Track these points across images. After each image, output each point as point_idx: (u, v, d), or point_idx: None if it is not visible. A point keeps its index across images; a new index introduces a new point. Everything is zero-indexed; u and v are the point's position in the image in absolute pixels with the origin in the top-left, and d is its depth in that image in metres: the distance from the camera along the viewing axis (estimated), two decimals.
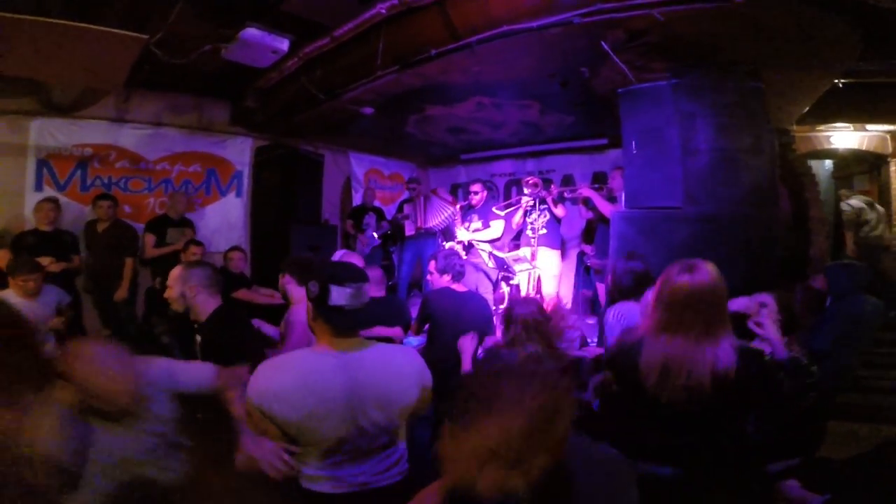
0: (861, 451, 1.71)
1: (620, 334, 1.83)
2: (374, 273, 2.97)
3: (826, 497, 1.42)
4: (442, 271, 3.13)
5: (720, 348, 1.52)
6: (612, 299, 2.61)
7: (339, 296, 1.45)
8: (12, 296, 3.35)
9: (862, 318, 3.04)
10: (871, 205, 5.47)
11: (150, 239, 4.83)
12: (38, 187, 4.76)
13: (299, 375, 1.44)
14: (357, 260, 3.02)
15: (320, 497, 1.49)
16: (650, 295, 1.75)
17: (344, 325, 1.50)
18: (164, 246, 4.84)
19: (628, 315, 2.37)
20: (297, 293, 2.52)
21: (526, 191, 4.86)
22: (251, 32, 3.49)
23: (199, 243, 4.72)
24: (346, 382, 1.45)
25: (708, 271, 1.60)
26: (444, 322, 3.00)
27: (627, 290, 2.47)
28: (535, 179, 4.88)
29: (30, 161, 4.71)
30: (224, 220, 5.93)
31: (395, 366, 1.57)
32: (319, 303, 1.47)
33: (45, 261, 3.86)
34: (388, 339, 2.63)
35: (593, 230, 4.78)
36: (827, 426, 3.43)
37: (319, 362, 1.48)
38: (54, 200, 4.47)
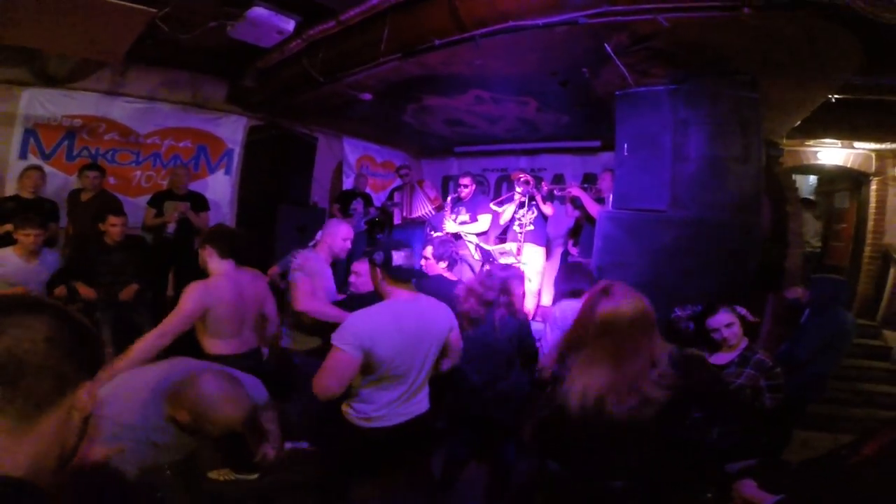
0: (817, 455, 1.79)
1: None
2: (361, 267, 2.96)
3: (780, 497, 1.47)
4: (439, 258, 3.14)
5: (649, 369, 1.56)
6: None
7: (399, 258, 1.99)
8: (13, 255, 3.35)
9: (844, 330, 3.21)
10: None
11: (149, 212, 4.82)
12: (23, 155, 4.70)
13: (392, 318, 1.92)
14: (346, 228, 3.19)
15: (385, 430, 1.94)
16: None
17: (406, 276, 2.04)
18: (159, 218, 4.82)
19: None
20: (217, 266, 2.60)
21: (518, 188, 4.91)
22: (258, 11, 3.46)
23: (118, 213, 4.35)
24: (418, 321, 1.98)
25: (624, 293, 1.64)
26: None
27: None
28: (527, 176, 4.92)
29: (17, 130, 4.64)
30: (211, 197, 5.84)
31: (440, 310, 2.13)
32: (386, 265, 2.00)
33: (9, 227, 3.75)
34: None
35: (580, 229, 4.86)
36: (792, 431, 3.58)
37: (402, 308, 1.97)
38: (39, 168, 4.40)
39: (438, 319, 2.09)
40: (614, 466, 1.61)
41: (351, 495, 2.07)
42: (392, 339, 1.86)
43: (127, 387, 1.63)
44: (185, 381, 1.57)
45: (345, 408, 2.00)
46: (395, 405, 1.95)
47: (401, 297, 2.00)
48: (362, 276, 2.90)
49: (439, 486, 2.85)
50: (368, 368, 1.87)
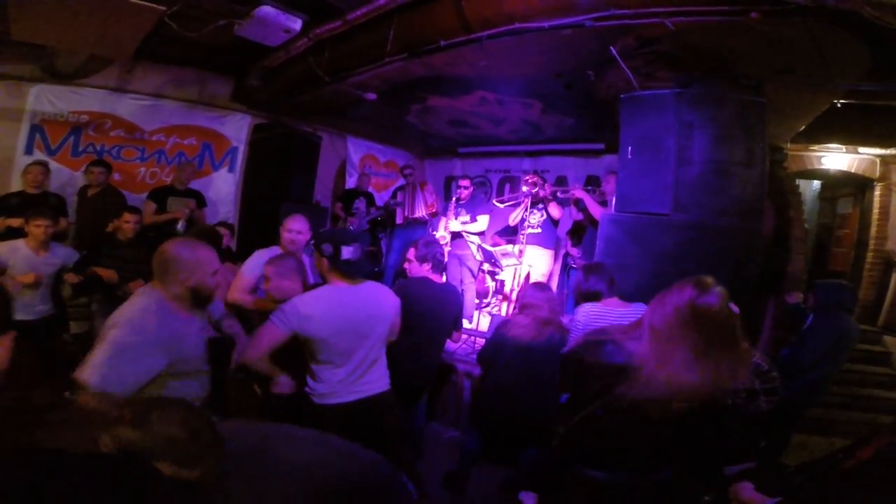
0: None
1: (594, 339, 1.71)
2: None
3: (777, 500, 1.47)
4: (422, 259, 2.99)
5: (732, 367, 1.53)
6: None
7: (347, 252, 2.10)
8: (24, 246, 3.42)
9: (848, 336, 3.20)
10: None
11: (149, 207, 4.79)
12: (29, 151, 4.72)
13: (329, 302, 2.06)
14: (295, 220, 3.21)
15: (338, 407, 2.09)
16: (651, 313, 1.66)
17: (353, 272, 2.15)
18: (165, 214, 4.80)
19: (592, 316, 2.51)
20: None
21: (524, 188, 4.91)
22: (266, 10, 3.47)
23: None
24: (359, 305, 2.12)
25: (719, 290, 1.56)
26: (423, 313, 2.81)
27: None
28: (535, 178, 4.92)
29: (24, 125, 4.68)
30: (215, 194, 5.91)
31: (384, 295, 2.30)
32: (334, 258, 2.11)
33: (15, 222, 3.85)
34: None
35: (582, 231, 4.86)
36: (791, 434, 3.58)
37: (342, 293, 2.11)
38: (43, 164, 4.42)
39: (382, 303, 2.24)
40: (666, 458, 1.62)
41: None
42: (327, 321, 2.02)
43: None
44: None
45: (305, 386, 2.15)
46: (345, 384, 2.10)
47: (343, 284, 2.14)
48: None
49: (450, 480, 2.97)
50: (310, 348, 2.06)
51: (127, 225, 3.96)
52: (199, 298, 1.85)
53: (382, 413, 2.23)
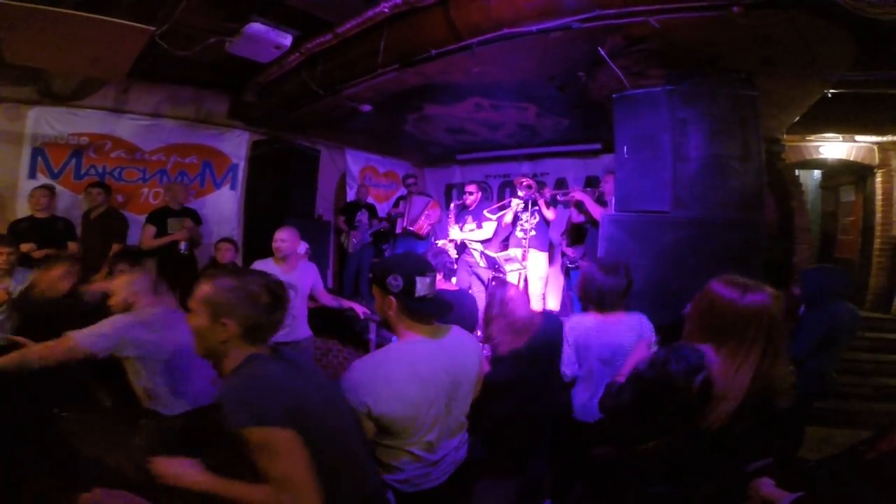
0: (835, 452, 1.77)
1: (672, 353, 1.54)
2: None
3: (798, 495, 1.45)
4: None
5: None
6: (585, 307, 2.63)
7: (423, 286, 1.53)
8: None
9: (841, 323, 3.03)
10: None
11: (149, 230, 4.80)
12: (32, 175, 4.76)
13: (410, 368, 1.49)
14: (283, 231, 3.47)
15: (422, 495, 1.57)
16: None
17: (429, 312, 1.59)
18: (165, 237, 4.81)
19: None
20: None
21: (520, 192, 4.91)
22: (255, 27, 3.51)
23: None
24: (444, 364, 1.56)
25: (765, 288, 1.53)
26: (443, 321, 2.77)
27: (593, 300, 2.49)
28: (529, 181, 4.93)
29: (25, 149, 4.71)
30: (218, 212, 5.94)
31: (469, 345, 1.72)
32: (406, 295, 1.53)
33: (25, 247, 3.87)
34: None
35: (584, 233, 4.85)
36: (804, 429, 3.52)
37: (421, 352, 1.54)
38: (49, 188, 4.47)
39: (469, 354, 1.69)
40: (726, 468, 1.58)
41: None
42: (414, 393, 1.48)
43: None
44: None
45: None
46: (435, 464, 1.60)
47: (418, 336, 1.58)
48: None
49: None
50: (380, 426, 1.48)
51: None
52: None
53: (470, 480, 1.81)
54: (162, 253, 4.84)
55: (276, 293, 1.39)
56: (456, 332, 1.71)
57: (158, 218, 4.88)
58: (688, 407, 1.47)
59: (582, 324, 2.50)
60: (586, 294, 2.51)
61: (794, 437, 3.44)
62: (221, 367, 1.38)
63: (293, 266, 3.48)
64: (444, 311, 1.60)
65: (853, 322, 3.10)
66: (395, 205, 6.28)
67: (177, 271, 4.93)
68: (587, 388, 2.47)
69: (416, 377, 1.49)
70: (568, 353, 2.51)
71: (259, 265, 3.36)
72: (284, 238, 3.42)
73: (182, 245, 4.76)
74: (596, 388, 2.40)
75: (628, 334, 2.39)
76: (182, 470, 1.34)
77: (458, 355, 1.63)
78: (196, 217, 5.14)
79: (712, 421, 1.44)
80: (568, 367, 2.51)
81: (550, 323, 2.64)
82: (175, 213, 4.97)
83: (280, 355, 1.42)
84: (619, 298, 2.43)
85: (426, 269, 1.57)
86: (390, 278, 1.54)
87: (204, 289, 1.38)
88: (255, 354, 1.35)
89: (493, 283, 2.88)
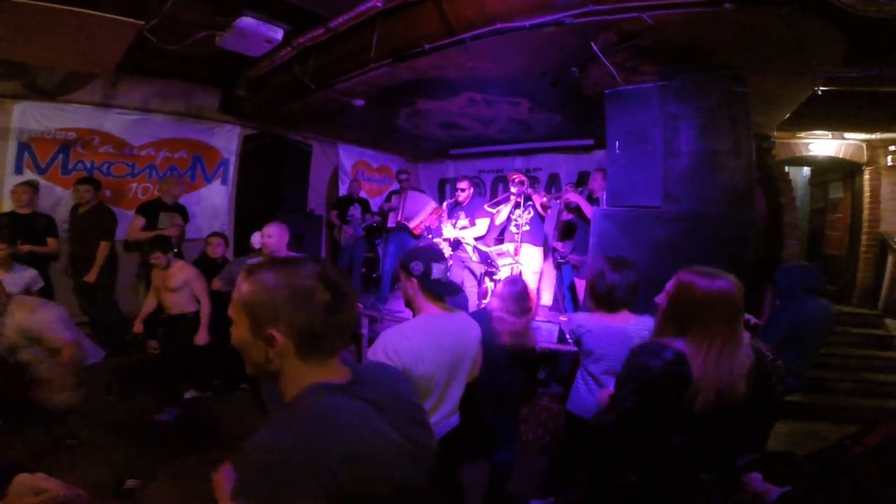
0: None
1: (645, 351, 1.60)
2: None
3: (786, 489, 1.48)
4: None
5: (745, 351, 1.52)
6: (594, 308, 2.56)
7: (438, 271, 1.88)
8: None
9: (810, 319, 3.02)
10: None
11: (138, 221, 4.76)
12: (18, 170, 4.69)
13: (430, 336, 1.79)
14: (271, 227, 3.49)
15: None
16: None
17: (444, 292, 1.91)
18: (155, 230, 4.76)
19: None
20: None
21: (513, 189, 4.91)
22: (246, 21, 3.48)
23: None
24: (454, 337, 1.87)
25: (727, 277, 1.55)
26: None
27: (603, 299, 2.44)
28: (521, 177, 4.92)
29: (11, 144, 4.64)
30: (209, 206, 5.92)
31: (473, 328, 2.01)
32: (424, 277, 1.87)
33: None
34: None
35: (573, 228, 4.87)
36: (773, 425, 3.55)
37: (440, 324, 1.86)
38: (31, 184, 4.42)
39: (472, 334, 1.98)
40: (706, 458, 1.59)
41: None
42: (430, 356, 1.73)
43: None
44: None
45: None
46: (436, 424, 1.81)
47: (432, 312, 1.89)
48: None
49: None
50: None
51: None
52: None
53: (459, 444, 2.03)
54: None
55: (337, 286, 0.99)
56: (463, 315, 2.01)
57: (149, 210, 4.84)
58: (673, 398, 1.49)
59: (588, 323, 2.46)
60: (595, 292, 2.46)
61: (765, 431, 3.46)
62: (283, 392, 1.00)
63: None
64: (454, 290, 1.97)
65: (825, 318, 3.09)
66: (388, 199, 6.26)
67: None
68: (587, 385, 2.47)
69: (435, 343, 1.77)
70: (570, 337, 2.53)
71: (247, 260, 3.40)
72: (271, 234, 3.38)
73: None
74: (596, 387, 2.41)
75: (635, 338, 2.34)
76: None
77: (466, 333, 1.94)
78: (184, 214, 5.12)
79: (697, 409, 1.45)
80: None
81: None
82: (168, 208, 4.93)
83: (357, 386, 1.00)
84: (628, 297, 2.40)
85: (441, 258, 1.92)
86: (413, 264, 1.88)
87: (242, 289, 0.99)
88: (321, 385, 0.96)
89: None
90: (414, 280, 1.89)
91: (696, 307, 1.53)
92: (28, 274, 3.66)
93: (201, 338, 3.91)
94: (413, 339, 1.72)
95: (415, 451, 1.01)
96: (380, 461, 0.91)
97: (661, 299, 1.66)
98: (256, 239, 4.05)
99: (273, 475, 0.81)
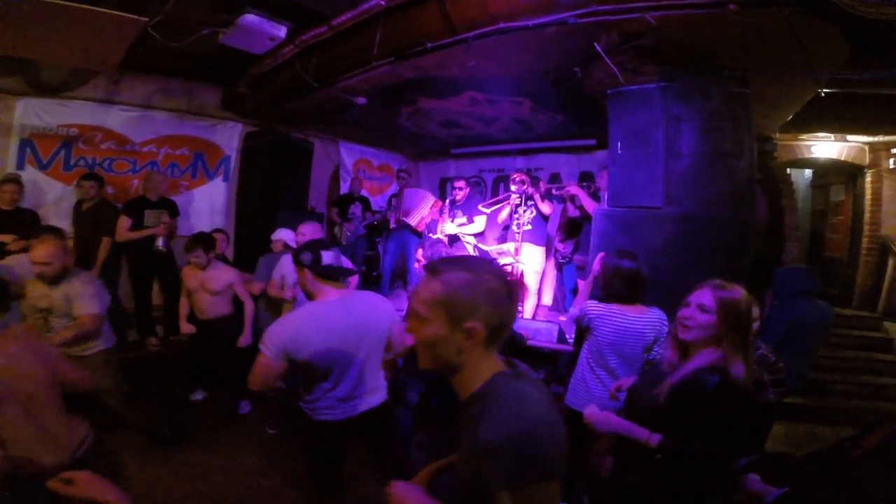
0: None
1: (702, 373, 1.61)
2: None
3: (784, 490, 1.48)
4: (429, 259, 3.14)
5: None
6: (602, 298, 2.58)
7: (327, 257, 2.05)
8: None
9: (805, 321, 3.04)
10: None
11: (125, 222, 4.74)
12: (21, 166, 4.70)
13: (316, 320, 1.97)
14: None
15: (340, 423, 2.08)
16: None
17: (338, 274, 2.10)
18: (141, 230, 4.76)
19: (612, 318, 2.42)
20: None
21: (513, 187, 4.91)
22: (250, 18, 3.48)
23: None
24: (349, 320, 2.02)
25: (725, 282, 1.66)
26: None
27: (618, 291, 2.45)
28: (522, 176, 4.92)
29: (13, 140, 4.65)
30: (210, 203, 5.92)
31: (379, 307, 2.19)
32: (315, 264, 2.04)
33: (8, 238, 3.95)
34: None
35: (578, 227, 4.86)
36: (772, 425, 3.57)
37: (329, 309, 2.02)
38: (15, 180, 4.40)
39: (376, 315, 2.14)
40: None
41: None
42: (317, 340, 1.93)
43: None
44: None
45: (302, 402, 2.14)
46: (343, 400, 2.08)
47: (330, 297, 2.06)
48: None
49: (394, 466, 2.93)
50: (304, 369, 1.99)
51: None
52: None
53: (383, 424, 2.23)
54: (136, 248, 4.78)
55: (510, 283, 1.11)
56: (366, 296, 2.20)
57: (134, 209, 4.81)
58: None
59: (600, 309, 2.47)
60: (610, 285, 2.48)
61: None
62: (457, 386, 1.11)
63: None
64: (348, 272, 2.19)
65: (822, 320, 3.11)
66: (389, 202, 6.27)
67: (155, 267, 4.91)
68: (595, 377, 2.47)
69: (322, 328, 1.95)
70: (576, 318, 2.55)
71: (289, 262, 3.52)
72: (305, 232, 3.60)
73: (160, 241, 4.69)
74: (608, 378, 2.42)
75: (649, 330, 2.38)
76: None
77: (364, 314, 2.09)
78: (174, 209, 5.08)
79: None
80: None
81: None
82: (152, 205, 4.89)
83: (522, 371, 1.13)
84: (641, 288, 2.43)
85: (328, 246, 2.10)
86: (302, 256, 2.07)
87: (432, 288, 1.06)
88: (504, 374, 1.08)
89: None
90: (306, 270, 2.06)
91: (735, 316, 1.60)
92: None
93: (245, 339, 3.86)
94: (292, 328, 1.92)
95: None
96: (559, 433, 1.04)
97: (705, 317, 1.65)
98: (283, 235, 4.08)
99: (526, 457, 0.94)
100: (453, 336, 1.04)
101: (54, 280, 2.74)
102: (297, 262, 2.08)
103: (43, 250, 2.67)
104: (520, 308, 4.95)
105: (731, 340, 1.58)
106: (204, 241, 3.83)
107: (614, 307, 2.44)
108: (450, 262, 1.10)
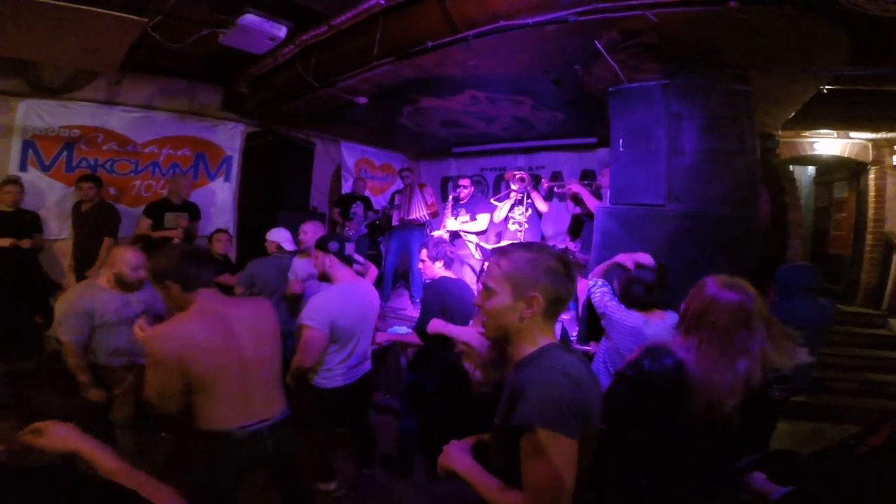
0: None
1: (647, 354, 1.69)
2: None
3: (789, 489, 1.47)
4: (434, 259, 3.12)
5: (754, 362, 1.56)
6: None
7: (349, 249, 2.65)
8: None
9: (803, 318, 2.92)
10: None
11: (144, 222, 4.75)
12: (23, 167, 4.71)
13: (346, 296, 2.56)
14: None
15: (341, 389, 2.60)
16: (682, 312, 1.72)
17: (352, 262, 2.73)
18: (160, 230, 4.75)
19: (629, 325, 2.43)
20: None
21: (513, 185, 4.90)
22: (249, 18, 3.48)
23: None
24: (362, 299, 2.65)
25: (745, 286, 1.62)
26: (453, 311, 2.91)
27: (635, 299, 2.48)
28: (522, 174, 4.91)
29: (15, 141, 4.66)
30: (212, 204, 5.92)
31: (372, 294, 2.80)
32: (340, 252, 2.62)
33: (7, 241, 3.98)
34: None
35: (580, 226, 4.85)
36: (776, 423, 3.54)
37: (351, 289, 2.62)
38: (16, 181, 4.39)
39: (373, 299, 2.78)
40: (703, 466, 1.62)
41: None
42: (347, 312, 2.50)
43: None
44: None
45: (310, 374, 2.55)
46: (347, 366, 2.59)
47: (349, 279, 2.65)
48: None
49: (397, 463, 3.26)
50: (331, 338, 2.49)
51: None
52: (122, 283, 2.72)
53: (369, 389, 2.87)
54: (155, 247, 4.77)
55: (568, 264, 1.27)
56: (365, 283, 2.81)
57: (156, 211, 4.83)
58: (668, 401, 1.55)
59: (613, 309, 2.51)
60: (628, 294, 2.51)
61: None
62: (513, 351, 1.28)
63: None
64: (353, 260, 2.82)
65: (821, 318, 3.09)
66: (391, 200, 6.26)
67: None
68: (609, 377, 2.46)
69: (351, 303, 2.55)
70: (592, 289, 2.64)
71: (297, 262, 3.70)
72: (307, 230, 3.73)
73: (176, 242, 4.69)
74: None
75: (650, 337, 2.36)
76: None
77: (367, 297, 2.70)
78: (195, 212, 5.10)
79: (696, 413, 1.51)
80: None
81: None
82: (175, 208, 4.92)
83: (570, 346, 1.32)
84: (658, 295, 2.45)
85: (348, 240, 2.69)
86: (329, 244, 2.61)
87: (501, 264, 1.26)
88: (552, 345, 1.24)
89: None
90: (332, 255, 2.60)
91: (703, 313, 1.62)
92: None
93: None
94: (335, 302, 2.49)
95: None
96: (594, 397, 1.21)
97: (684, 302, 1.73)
98: (277, 236, 4.04)
99: (563, 408, 1.09)
100: (517, 305, 1.22)
101: None
102: (324, 248, 2.60)
103: None
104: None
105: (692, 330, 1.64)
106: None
107: (625, 310, 2.48)
108: (516, 245, 1.33)
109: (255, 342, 1.93)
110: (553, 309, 1.25)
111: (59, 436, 1.14)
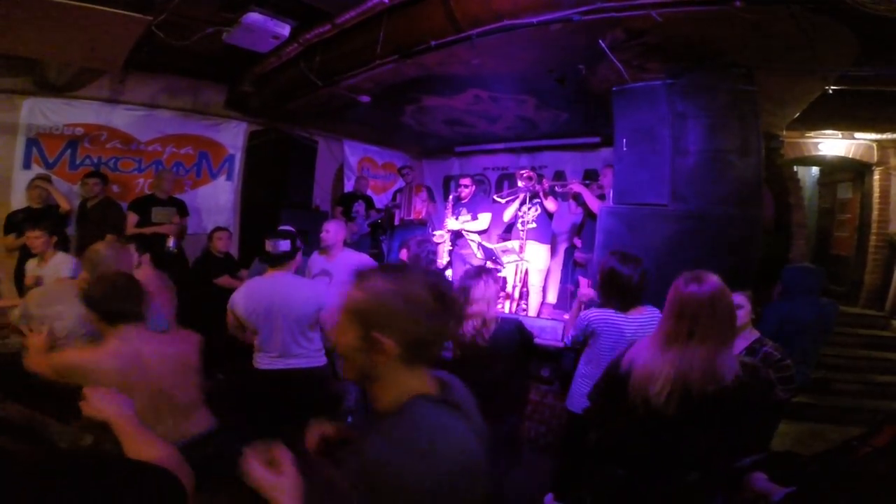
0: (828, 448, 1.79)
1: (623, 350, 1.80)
2: None
3: (790, 490, 1.47)
4: (412, 260, 3.10)
5: (728, 358, 1.58)
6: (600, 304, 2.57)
7: (271, 247, 2.68)
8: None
9: (801, 319, 3.00)
10: None
11: (132, 218, 4.72)
12: (27, 165, 4.74)
13: (248, 289, 2.71)
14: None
15: (271, 372, 2.64)
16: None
17: (269, 261, 2.76)
18: (149, 226, 4.73)
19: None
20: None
21: (520, 183, 4.89)
22: (253, 17, 3.47)
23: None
24: (271, 294, 2.64)
25: (715, 281, 1.61)
26: None
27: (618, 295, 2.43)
28: (529, 173, 4.90)
29: (19, 139, 4.69)
30: (214, 202, 5.94)
31: (302, 286, 2.78)
32: (263, 250, 2.74)
33: (36, 234, 3.82)
34: None
35: (582, 225, 4.84)
36: (776, 426, 3.53)
37: (259, 283, 2.73)
38: (45, 178, 4.47)
39: (296, 297, 2.66)
40: (687, 458, 1.63)
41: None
42: (245, 303, 2.62)
43: None
44: None
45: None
46: (270, 356, 2.64)
47: (268, 274, 2.75)
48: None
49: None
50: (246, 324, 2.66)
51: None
52: None
53: (307, 386, 2.66)
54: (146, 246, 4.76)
55: (445, 296, 0.99)
56: (290, 277, 2.76)
57: (141, 206, 4.78)
58: (622, 392, 1.65)
59: (602, 317, 2.44)
60: (608, 290, 2.45)
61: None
62: (376, 400, 1.01)
63: (334, 256, 3.68)
64: (277, 262, 2.75)
65: (819, 318, 3.07)
66: (393, 198, 6.27)
67: (166, 268, 4.89)
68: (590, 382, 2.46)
69: (251, 296, 2.65)
70: (575, 335, 2.53)
71: (313, 259, 3.72)
72: (329, 229, 3.70)
73: (171, 242, 4.66)
74: None
75: (642, 331, 2.33)
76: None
77: (285, 291, 2.65)
78: (183, 208, 5.04)
79: (638, 403, 1.60)
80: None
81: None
82: (161, 203, 4.87)
83: (449, 397, 1.01)
84: (640, 291, 2.40)
85: (275, 236, 2.71)
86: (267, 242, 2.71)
87: (352, 294, 0.99)
88: (425, 398, 0.97)
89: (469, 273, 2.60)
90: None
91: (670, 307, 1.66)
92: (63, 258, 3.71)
93: None
94: (241, 291, 2.70)
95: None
96: (475, 475, 0.93)
97: None
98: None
99: (397, 493, 0.82)
100: (363, 346, 0.95)
101: None
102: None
103: None
104: (524, 306, 4.94)
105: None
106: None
107: (612, 314, 2.43)
108: (379, 270, 1.03)
109: (174, 377, 1.92)
110: (416, 353, 0.97)
111: (96, 404, 1.23)
